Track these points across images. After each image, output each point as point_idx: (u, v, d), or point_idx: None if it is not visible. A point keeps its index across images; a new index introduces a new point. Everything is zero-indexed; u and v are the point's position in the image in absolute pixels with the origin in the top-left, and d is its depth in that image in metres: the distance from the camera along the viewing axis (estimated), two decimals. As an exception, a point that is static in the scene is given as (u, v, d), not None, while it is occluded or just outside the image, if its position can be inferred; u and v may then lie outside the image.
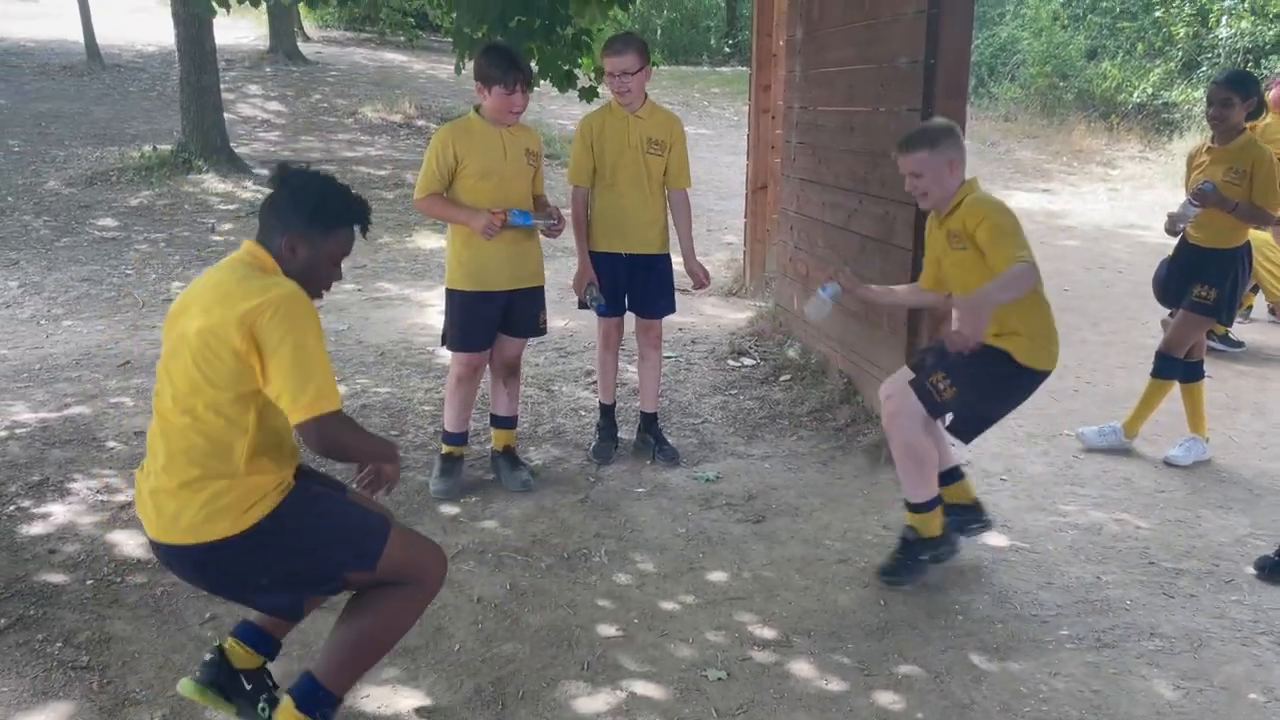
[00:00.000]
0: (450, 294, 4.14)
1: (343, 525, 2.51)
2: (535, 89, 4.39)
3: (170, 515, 2.37)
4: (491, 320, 4.13)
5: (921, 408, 3.33)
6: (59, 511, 3.99)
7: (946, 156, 3.34)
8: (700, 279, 4.54)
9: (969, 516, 3.66)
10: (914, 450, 3.36)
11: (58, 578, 3.50)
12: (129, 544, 3.73)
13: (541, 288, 4.26)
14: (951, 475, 3.62)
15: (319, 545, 2.46)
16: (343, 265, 2.61)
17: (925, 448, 3.37)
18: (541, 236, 4.19)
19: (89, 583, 3.47)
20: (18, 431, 4.77)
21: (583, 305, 4.52)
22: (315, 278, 2.52)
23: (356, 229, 2.56)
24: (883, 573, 3.53)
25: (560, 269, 7.18)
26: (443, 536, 3.82)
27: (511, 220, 3.96)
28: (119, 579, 3.50)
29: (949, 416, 3.52)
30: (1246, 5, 15.23)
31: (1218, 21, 15.66)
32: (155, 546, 2.47)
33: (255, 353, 2.31)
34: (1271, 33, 14.91)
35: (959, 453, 4.31)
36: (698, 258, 4.58)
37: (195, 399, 2.35)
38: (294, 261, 2.47)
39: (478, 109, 4.08)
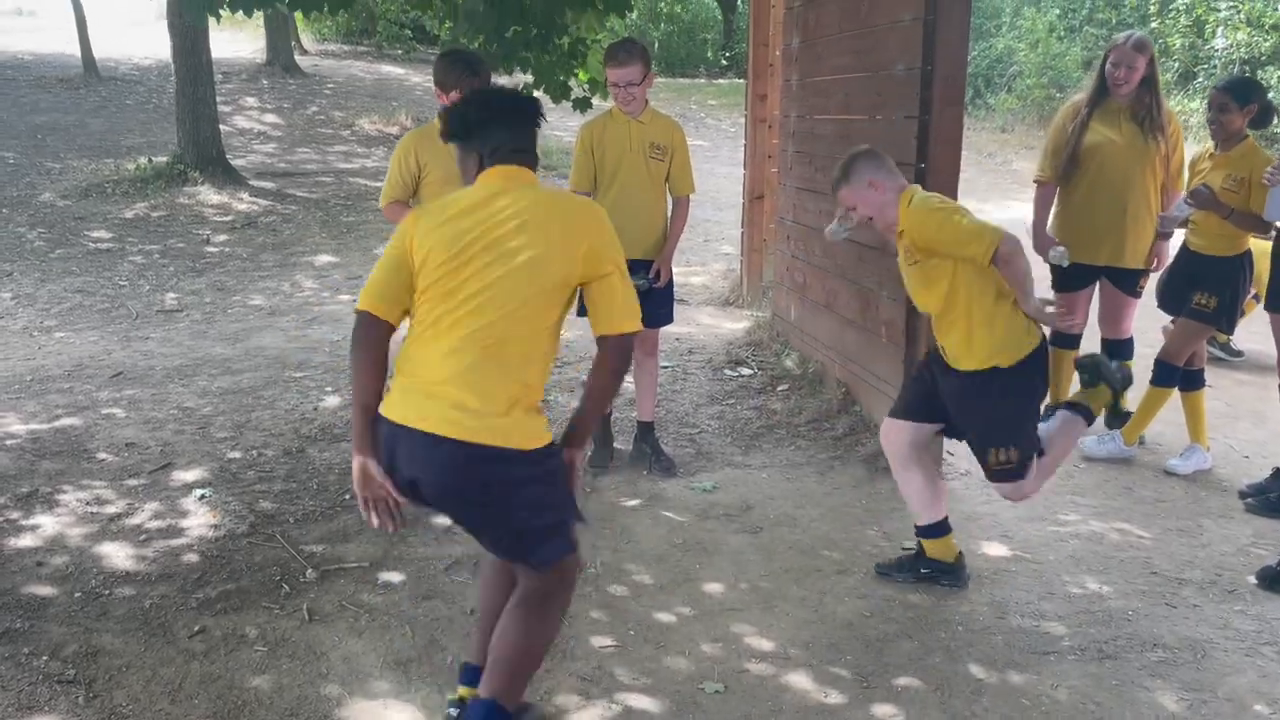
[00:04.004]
0: None
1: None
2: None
3: None
4: None
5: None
6: (47, 523, 3.94)
7: (863, 180, 3.35)
8: (664, 275, 4.44)
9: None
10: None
11: (45, 590, 3.45)
12: (118, 556, 3.69)
13: None
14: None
15: None
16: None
17: None
18: None
19: (77, 595, 3.42)
20: (8, 443, 4.72)
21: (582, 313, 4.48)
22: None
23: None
24: (880, 567, 3.65)
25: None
26: (435, 547, 3.78)
27: None
28: (107, 591, 3.45)
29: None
30: (1242, 16, 15.26)
31: (1214, 33, 15.69)
32: None
33: None
34: (1268, 44, 14.94)
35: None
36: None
37: None
38: None
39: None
